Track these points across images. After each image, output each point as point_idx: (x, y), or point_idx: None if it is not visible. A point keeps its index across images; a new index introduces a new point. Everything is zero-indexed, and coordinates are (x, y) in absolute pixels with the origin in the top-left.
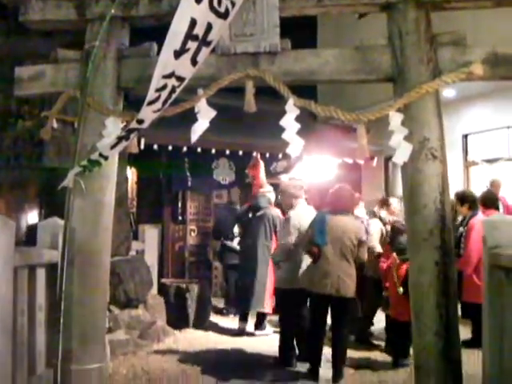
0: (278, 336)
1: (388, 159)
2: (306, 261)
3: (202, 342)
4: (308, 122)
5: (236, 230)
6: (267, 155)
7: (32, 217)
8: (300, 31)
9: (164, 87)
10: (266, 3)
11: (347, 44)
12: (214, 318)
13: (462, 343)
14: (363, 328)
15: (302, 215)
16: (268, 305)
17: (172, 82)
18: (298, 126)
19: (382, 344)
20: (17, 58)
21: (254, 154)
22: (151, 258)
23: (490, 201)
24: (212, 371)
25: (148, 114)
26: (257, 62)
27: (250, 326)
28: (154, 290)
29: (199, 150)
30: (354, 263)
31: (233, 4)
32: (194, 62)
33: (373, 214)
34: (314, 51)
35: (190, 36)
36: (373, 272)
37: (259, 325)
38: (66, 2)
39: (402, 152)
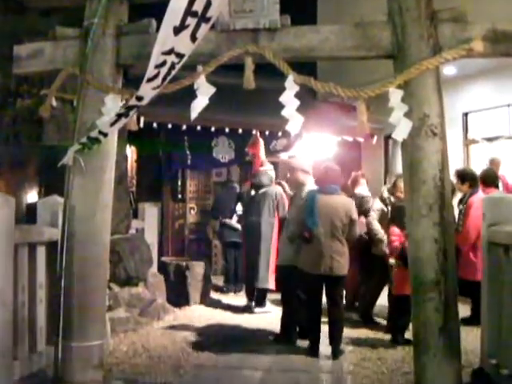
0: (277, 313)
1: (388, 137)
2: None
3: (202, 319)
4: (308, 100)
5: (238, 207)
6: (267, 133)
7: (32, 195)
8: (300, 7)
9: (163, 64)
10: None
11: (347, 20)
12: (214, 296)
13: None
14: (368, 307)
15: None
16: (272, 281)
17: (171, 58)
18: (297, 102)
19: (384, 322)
20: (15, 37)
21: (254, 132)
22: (151, 236)
23: (490, 179)
24: (212, 348)
25: (147, 90)
26: (256, 38)
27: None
28: (154, 268)
29: (199, 128)
30: (346, 241)
31: None
32: (193, 38)
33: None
34: (313, 28)
35: (189, 12)
36: (378, 250)
37: (259, 302)
38: None
39: (402, 129)
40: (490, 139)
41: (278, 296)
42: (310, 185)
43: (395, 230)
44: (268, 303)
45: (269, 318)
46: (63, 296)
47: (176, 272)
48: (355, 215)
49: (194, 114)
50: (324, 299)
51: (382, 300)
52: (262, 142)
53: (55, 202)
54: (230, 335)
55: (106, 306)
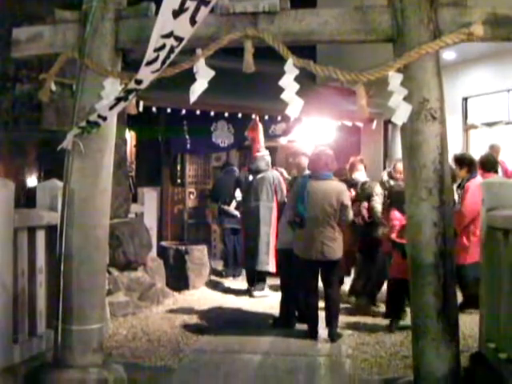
0: (277, 298)
1: (387, 122)
2: None
3: (202, 303)
4: (307, 85)
5: (237, 193)
6: (266, 118)
7: (31, 179)
8: None
9: (162, 47)
10: None
11: (347, 4)
12: (213, 280)
13: None
14: (373, 291)
15: None
16: (272, 264)
17: (171, 41)
18: (297, 86)
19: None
20: (14, 20)
21: (253, 116)
22: (150, 221)
23: (490, 164)
24: (212, 332)
25: (146, 74)
26: (256, 21)
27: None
28: (154, 252)
29: (198, 112)
30: (338, 226)
31: None
32: (192, 21)
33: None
34: (313, 11)
35: None
36: (380, 234)
37: (259, 285)
38: None
39: (402, 112)
40: (489, 124)
41: (277, 281)
42: None
43: (396, 213)
44: (266, 288)
45: (268, 302)
46: (63, 280)
47: (175, 256)
48: (347, 200)
49: (193, 98)
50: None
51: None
52: (261, 126)
53: (54, 185)
54: (230, 319)
55: (105, 289)
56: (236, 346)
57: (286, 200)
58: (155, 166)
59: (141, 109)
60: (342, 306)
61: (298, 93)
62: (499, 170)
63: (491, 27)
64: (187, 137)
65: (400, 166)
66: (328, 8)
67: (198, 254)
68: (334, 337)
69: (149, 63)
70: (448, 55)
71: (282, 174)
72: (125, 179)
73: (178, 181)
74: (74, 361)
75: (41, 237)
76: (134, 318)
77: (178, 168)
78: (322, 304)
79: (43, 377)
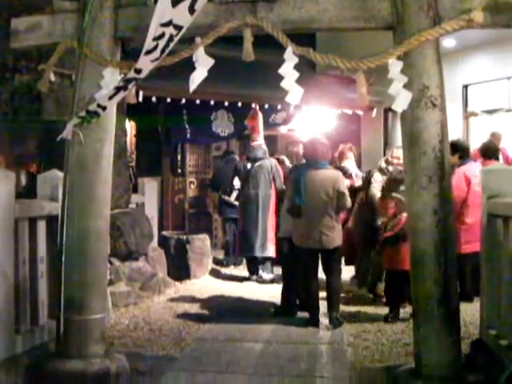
0: (277, 286)
1: (387, 110)
2: None
3: (203, 292)
4: (307, 73)
5: (236, 182)
6: (266, 106)
7: (32, 170)
8: None
9: (162, 36)
10: None
11: None
12: (214, 269)
13: None
14: (375, 280)
15: None
16: (272, 250)
17: (170, 30)
18: (296, 74)
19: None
20: (13, 11)
21: (253, 105)
22: (151, 211)
23: (491, 151)
24: (213, 321)
25: (146, 63)
26: (255, 9)
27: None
28: (155, 242)
29: (198, 101)
30: (335, 214)
31: None
32: (191, 10)
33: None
34: None
35: None
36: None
37: (265, 268)
38: None
39: (402, 100)
40: (489, 112)
41: (278, 270)
42: None
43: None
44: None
45: (269, 290)
46: (64, 270)
47: (176, 246)
48: (343, 187)
49: (192, 86)
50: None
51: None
52: (260, 115)
53: (55, 176)
54: (231, 308)
55: (107, 279)
56: (237, 335)
57: (284, 187)
58: (155, 156)
59: (140, 99)
60: (343, 295)
61: (298, 81)
62: (500, 157)
63: (491, 14)
64: (187, 126)
65: (397, 151)
66: None
67: (199, 243)
68: (334, 324)
69: (148, 52)
70: (448, 43)
71: (283, 161)
72: (125, 169)
73: (179, 170)
74: (76, 351)
75: (42, 227)
76: (136, 307)
77: (179, 158)
78: (323, 294)
79: (45, 367)
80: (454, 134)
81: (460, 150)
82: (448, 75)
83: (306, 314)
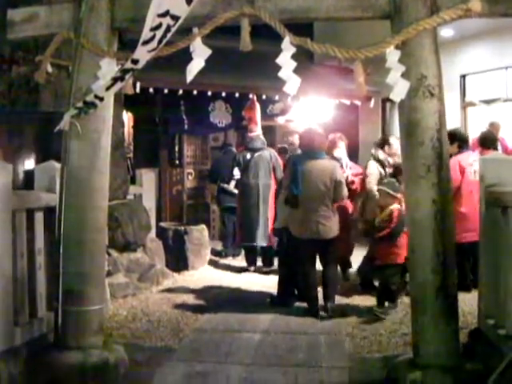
0: (275, 276)
1: (385, 100)
2: None
3: (201, 283)
4: (304, 64)
5: (236, 172)
6: (264, 97)
7: (29, 162)
8: None
9: (159, 26)
10: None
11: None
12: (213, 260)
13: None
14: (368, 272)
15: None
16: (271, 239)
17: (167, 20)
18: (294, 64)
19: None
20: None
21: (251, 96)
22: (149, 202)
23: (490, 141)
24: (211, 311)
25: (143, 53)
26: None
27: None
28: (153, 233)
29: (195, 92)
30: (332, 204)
31: None
32: (188, 0)
33: (372, 156)
34: None
35: None
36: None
37: (266, 261)
38: None
39: (400, 89)
40: (487, 102)
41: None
42: None
43: None
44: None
45: (268, 280)
46: (62, 261)
47: (175, 237)
48: (340, 177)
49: (189, 77)
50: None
51: None
52: (258, 106)
53: (52, 167)
54: (229, 298)
55: (105, 270)
56: (236, 325)
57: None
58: (153, 147)
59: (138, 90)
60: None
61: (296, 72)
62: (499, 147)
63: (489, 3)
64: (185, 117)
65: (395, 143)
66: None
67: (197, 234)
68: (330, 312)
69: (145, 42)
70: (446, 32)
71: (286, 150)
72: (123, 160)
73: (176, 162)
74: (74, 342)
75: (39, 218)
76: (134, 298)
77: (176, 149)
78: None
79: (44, 358)
80: (452, 123)
81: (459, 140)
82: (446, 65)
83: (304, 304)
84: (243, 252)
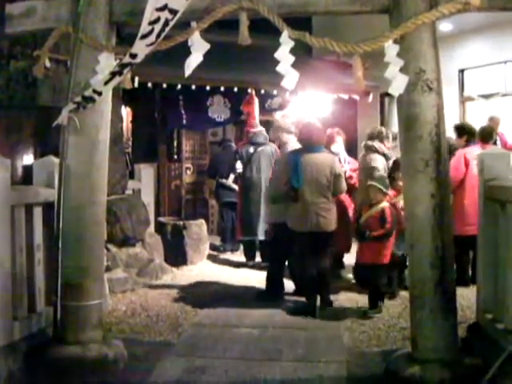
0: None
1: (384, 95)
2: None
3: (200, 278)
4: (303, 58)
5: (238, 166)
6: (262, 92)
7: (27, 158)
8: None
9: (157, 20)
10: None
11: None
12: (211, 255)
13: None
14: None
15: None
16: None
17: (165, 14)
18: (292, 58)
19: None
20: None
21: (249, 90)
22: (148, 197)
23: (489, 135)
24: (210, 306)
25: (141, 47)
26: None
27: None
28: (151, 228)
29: (194, 87)
30: (332, 198)
31: None
32: None
33: (374, 150)
34: None
35: None
36: None
37: (253, 258)
38: None
39: (398, 84)
40: (485, 96)
41: None
42: (292, 144)
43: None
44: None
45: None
46: (61, 257)
47: (173, 232)
48: (339, 170)
49: (188, 71)
50: None
51: None
52: (256, 100)
53: (51, 162)
54: (228, 293)
55: (104, 265)
56: (234, 320)
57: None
58: (152, 142)
59: (136, 84)
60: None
61: (294, 66)
62: (498, 142)
63: None
64: (183, 112)
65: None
66: None
67: (196, 229)
68: (325, 304)
69: (144, 36)
70: (445, 27)
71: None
72: (121, 155)
73: (175, 156)
74: (73, 337)
75: (38, 214)
76: (133, 293)
77: (175, 144)
78: None
79: (43, 353)
80: (451, 118)
81: (466, 133)
82: (444, 59)
83: (302, 299)
84: (242, 247)
